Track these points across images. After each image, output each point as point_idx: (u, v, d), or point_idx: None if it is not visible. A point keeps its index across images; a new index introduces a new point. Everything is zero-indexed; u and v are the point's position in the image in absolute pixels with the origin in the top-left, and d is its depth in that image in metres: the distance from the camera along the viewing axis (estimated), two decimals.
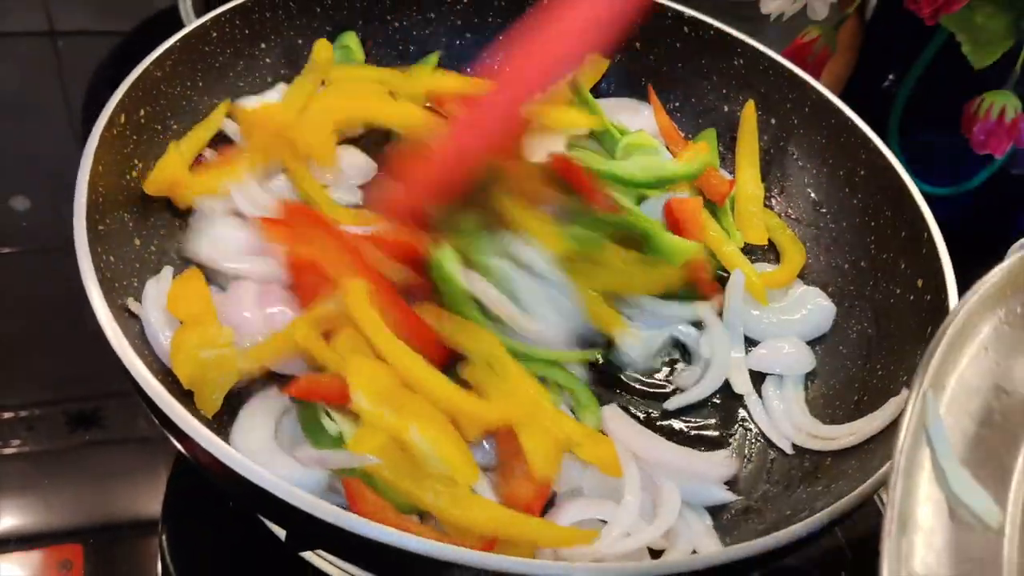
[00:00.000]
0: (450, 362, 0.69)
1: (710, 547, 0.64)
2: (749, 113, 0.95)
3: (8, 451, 0.81)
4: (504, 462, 0.65)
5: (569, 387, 0.70)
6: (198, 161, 0.82)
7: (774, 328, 0.81)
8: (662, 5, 0.96)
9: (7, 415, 0.84)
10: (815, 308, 0.82)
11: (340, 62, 0.93)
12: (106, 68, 1.21)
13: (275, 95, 0.89)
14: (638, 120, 0.96)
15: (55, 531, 0.76)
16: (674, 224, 0.84)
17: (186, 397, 0.65)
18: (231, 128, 0.85)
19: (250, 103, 0.87)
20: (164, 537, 0.77)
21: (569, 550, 0.60)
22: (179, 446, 0.60)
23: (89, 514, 0.78)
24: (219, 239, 0.75)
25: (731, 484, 0.70)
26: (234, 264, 0.73)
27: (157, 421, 0.59)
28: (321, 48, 0.91)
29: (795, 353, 0.79)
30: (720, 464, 0.69)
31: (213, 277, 0.75)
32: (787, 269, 0.86)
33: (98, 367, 0.86)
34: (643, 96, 0.99)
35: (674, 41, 0.97)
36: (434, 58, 0.97)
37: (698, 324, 0.80)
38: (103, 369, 0.84)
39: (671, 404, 0.75)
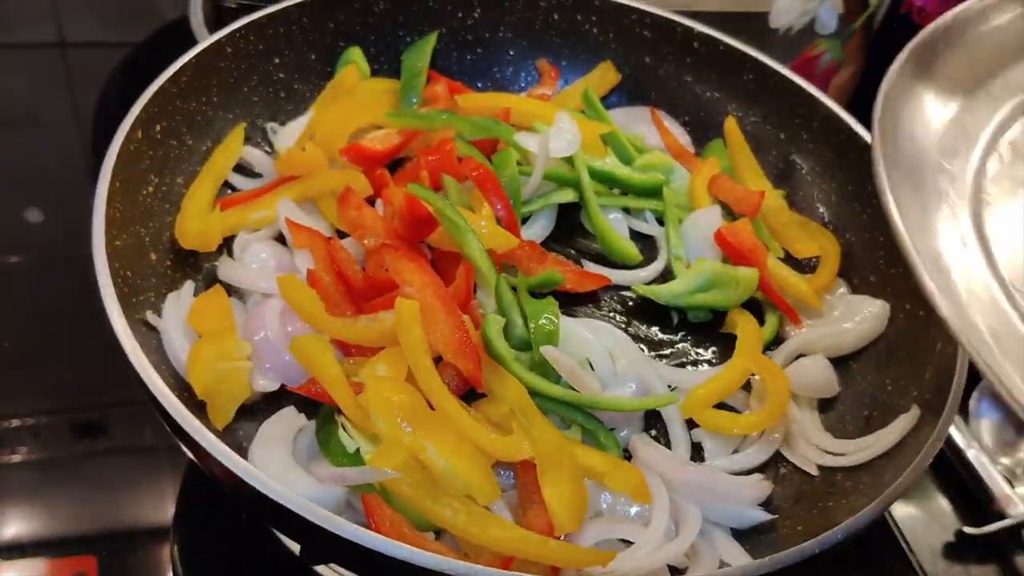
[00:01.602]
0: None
1: (739, 558, 0.64)
2: (731, 128, 0.95)
3: (16, 458, 0.82)
4: (522, 492, 0.65)
5: (591, 429, 0.69)
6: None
7: (833, 339, 0.80)
8: (672, 20, 0.96)
9: (15, 423, 0.84)
10: (869, 312, 0.81)
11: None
12: (116, 79, 1.21)
13: (304, 120, 0.89)
14: (652, 130, 0.96)
15: (64, 539, 0.77)
16: (734, 254, 0.82)
17: (202, 411, 0.65)
18: (257, 160, 0.86)
19: (281, 136, 0.88)
20: (175, 547, 0.77)
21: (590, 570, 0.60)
22: (195, 460, 0.60)
23: (97, 523, 0.78)
24: (254, 264, 0.76)
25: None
26: (267, 284, 0.73)
27: (174, 434, 0.60)
28: (348, 73, 0.91)
29: (822, 375, 0.78)
30: (753, 486, 0.68)
31: (236, 291, 0.75)
32: (828, 267, 0.85)
33: (105, 377, 0.86)
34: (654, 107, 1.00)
35: (684, 55, 0.98)
36: (433, 36, 0.96)
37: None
38: (110, 379, 0.86)
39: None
